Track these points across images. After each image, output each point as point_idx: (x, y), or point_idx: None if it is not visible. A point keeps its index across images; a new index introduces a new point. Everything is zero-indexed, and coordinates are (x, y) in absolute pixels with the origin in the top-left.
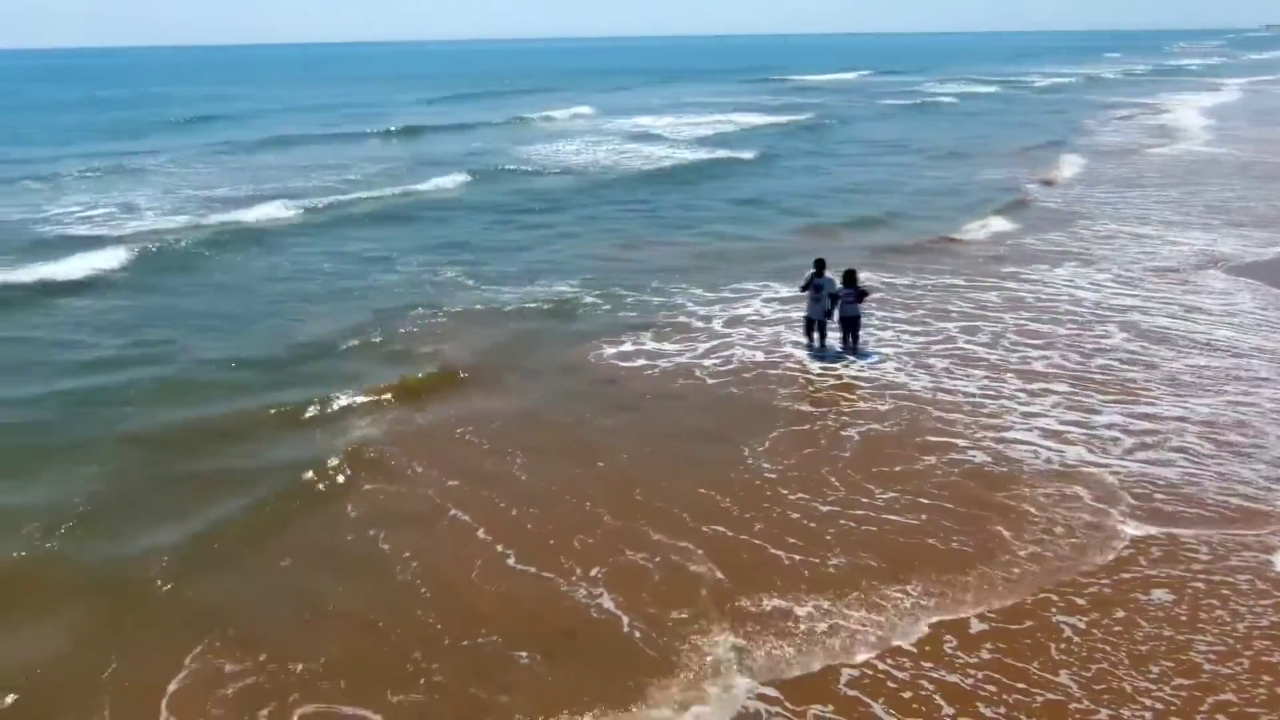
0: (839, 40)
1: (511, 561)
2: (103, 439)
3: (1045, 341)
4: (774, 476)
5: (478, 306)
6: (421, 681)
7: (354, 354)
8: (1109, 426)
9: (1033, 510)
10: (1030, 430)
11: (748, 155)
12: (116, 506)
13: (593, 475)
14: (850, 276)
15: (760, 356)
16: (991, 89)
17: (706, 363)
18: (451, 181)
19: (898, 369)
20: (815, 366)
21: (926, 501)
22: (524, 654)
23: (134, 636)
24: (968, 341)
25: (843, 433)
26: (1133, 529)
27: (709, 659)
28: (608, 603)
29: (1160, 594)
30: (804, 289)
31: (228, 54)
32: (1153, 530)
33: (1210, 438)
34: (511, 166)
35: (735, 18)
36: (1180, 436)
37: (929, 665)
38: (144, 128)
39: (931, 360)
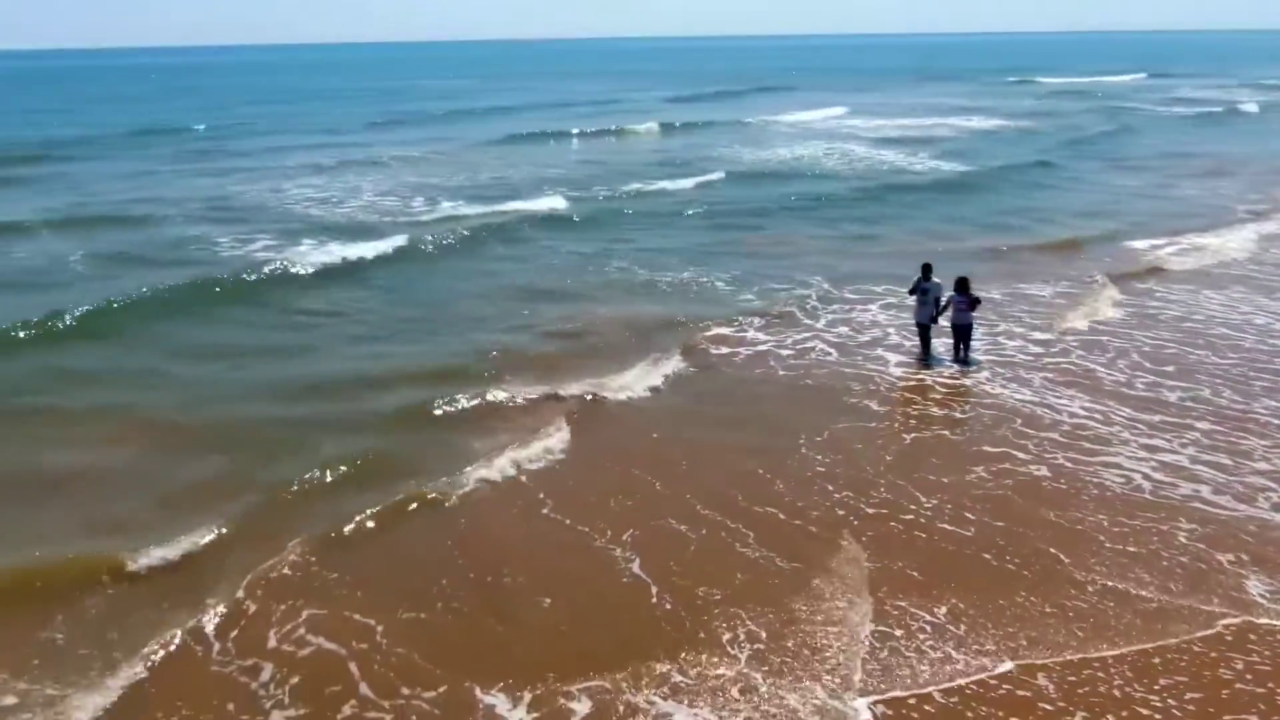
0: (1080, 39)
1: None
2: None
3: (1183, 369)
4: (823, 470)
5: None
6: (438, 605)
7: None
8: (1260, 474)
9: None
10: (1143, 461)
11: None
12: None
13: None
14: (963, 283)
15: (842, 355)
16: None
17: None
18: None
19: (990, 379)
20: (896, 370)
21: (971, 516)
22: (547, 600)
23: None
24: (1081, 357)
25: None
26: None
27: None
28: (638, 568)
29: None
30: (911, 293)
31: (380, 51)
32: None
33: None
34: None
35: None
36: None
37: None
38: (416, 119)
39: (1034, 374)
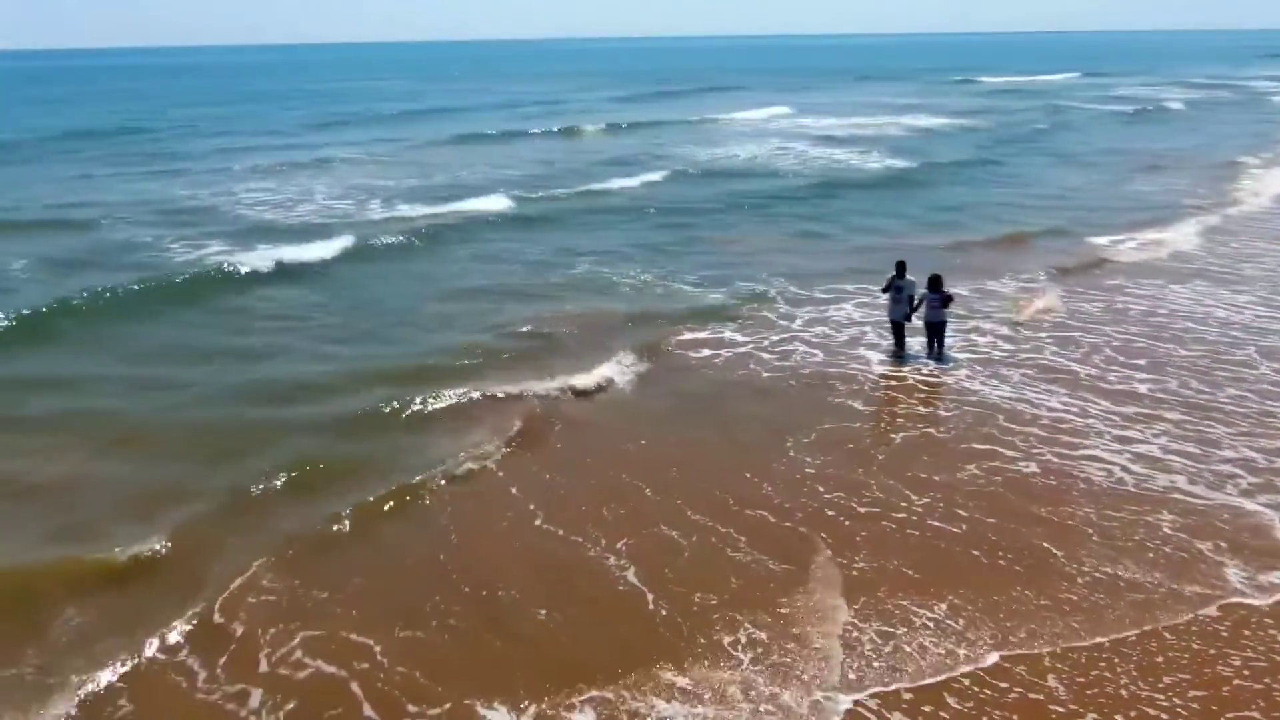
0: (1022, 39)
1: (539, 523)
2: None
3: (1154, 362)
4: (812, 471)
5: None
6: (434, 622)
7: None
8: (1228, 461)
9: (1091, 532)
10: (1120, 454)
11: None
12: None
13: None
14: (936, 281)
15: (825, 355)
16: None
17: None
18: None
19: (970, 376)
20: (879, 368)
21: (964, 513)
22: (542, 611)
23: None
24: (1056, 354)
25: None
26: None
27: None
28: (633, 576)
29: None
30: (884, 291)
31: (329, 52)
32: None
33: None
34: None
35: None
36: None
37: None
38: (360, 120)
39: (1011, 370)
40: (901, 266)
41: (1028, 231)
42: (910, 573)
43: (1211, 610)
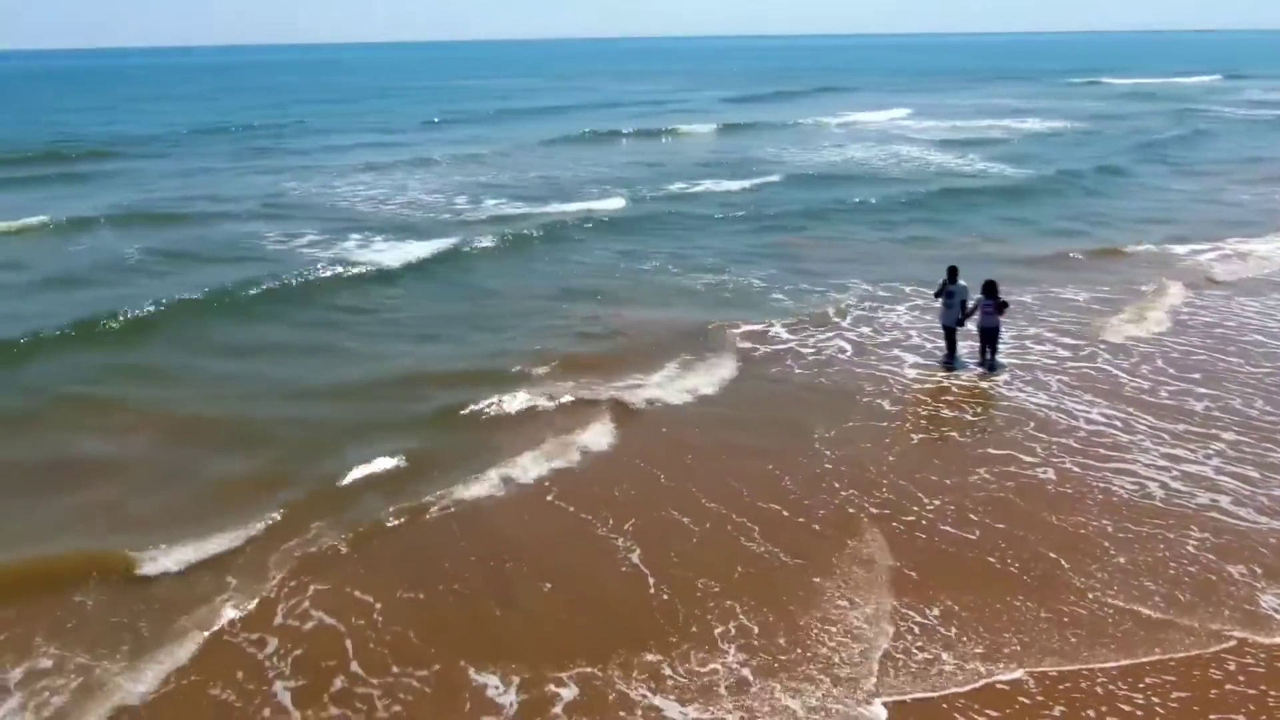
0: (1153, 39)
1: (561, 504)
2: None
3: (1210, 376)
4: (830, 467)
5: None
6: (439, 587)
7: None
8: None
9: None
10: (1162, 470)
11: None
12: None
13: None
14: (990, 287)
15: (864, 354)
16: None
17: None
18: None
19: (1008, 382)
20: (911, 371)
21: (974, 518)
22: (548, 585)
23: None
24: (1106, 363)
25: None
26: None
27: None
28: (636, 558)
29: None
30: (937, 295)
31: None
32: None
33: None
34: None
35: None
36: None
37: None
38: (464, 119)
39: (1053, 378)
40: (954, 271)
41: (1119, 245)
42: (913, 575)
43: (1238, 637)
